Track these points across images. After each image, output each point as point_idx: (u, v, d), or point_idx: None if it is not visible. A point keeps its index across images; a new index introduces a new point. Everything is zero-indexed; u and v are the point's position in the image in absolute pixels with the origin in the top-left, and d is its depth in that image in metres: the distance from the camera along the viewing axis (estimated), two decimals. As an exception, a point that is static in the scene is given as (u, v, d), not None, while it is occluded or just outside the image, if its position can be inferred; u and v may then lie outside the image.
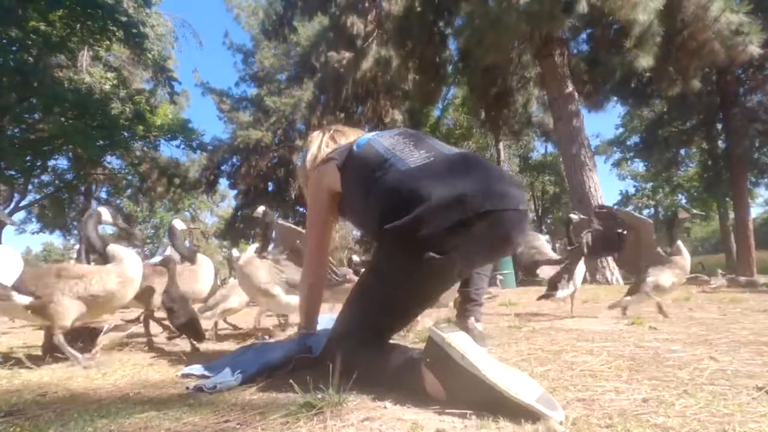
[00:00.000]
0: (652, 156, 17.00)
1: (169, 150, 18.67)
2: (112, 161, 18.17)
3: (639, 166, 27.29)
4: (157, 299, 2.10)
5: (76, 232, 22.42)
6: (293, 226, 2.31)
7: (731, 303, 3.06)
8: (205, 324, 2.14)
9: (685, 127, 14.53)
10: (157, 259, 2.38)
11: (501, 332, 1.94)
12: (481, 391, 0.81)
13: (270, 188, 22.83)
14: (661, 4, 6.18)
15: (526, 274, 4.76)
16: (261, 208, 2.34)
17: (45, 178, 15.69)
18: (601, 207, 3.12)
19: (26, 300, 1.56)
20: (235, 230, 22.62)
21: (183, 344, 2.14)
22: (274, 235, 2.31)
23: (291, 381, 1.11)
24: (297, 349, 1.28)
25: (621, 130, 23.59)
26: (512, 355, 1.38)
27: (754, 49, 6.81)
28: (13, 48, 11.03)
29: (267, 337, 2.24)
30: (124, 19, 11.60)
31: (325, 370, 0.98)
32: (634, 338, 1.65)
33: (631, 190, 31.65)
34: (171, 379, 1.29)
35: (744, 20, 6.72)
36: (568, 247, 2.79)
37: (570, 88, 7.37)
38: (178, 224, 2.57)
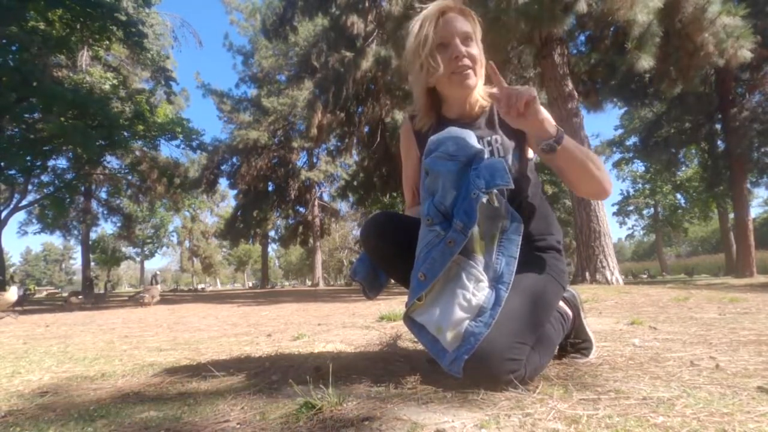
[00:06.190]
0: (651, 156, 17.01)
1: (168, 150, 18.70)
2: (112, 161, 18.19)
3: (639, 166, 27.40)
4: None
5: (76, 232, 22.48)
6: None
7: (731, 303, 3.06)
8: None
9: (685, 127, 14.54)
10: None
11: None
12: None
13: (270, 188, 22.85)
14: (660, 3, 6.18)
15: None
16: None
17: (45, 178, 15.70)
18: None
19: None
20: (235, 230, 22.63)
21: (183, 345, 2.14)
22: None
23: (291, 381, 1.12)
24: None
25: (620, 131, 23.67)
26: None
27: (746, 53, 6.82)
28: (13, 47, 11.03)
29: None
30: (123, 18, 11.62)
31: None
32: (634, 338, 1.65)
33: (630, 191, 31.80)
34: (171, 379, 1.29)
35: (739, 24, 6.72)
36: None
37: (569, 87, 7.37)
38: None
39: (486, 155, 1.08)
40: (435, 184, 1.04)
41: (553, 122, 1.03)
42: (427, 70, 1.19)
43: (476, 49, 1.18)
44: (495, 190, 1.00)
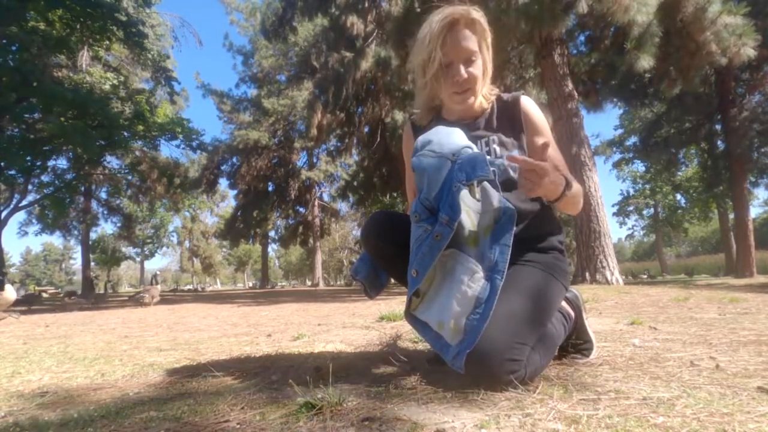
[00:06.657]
0: (651, 156, 17.00)
1: (168, 150, 18.68)
2: (112, 161, 18.18)
3: (639, 166, 27.38)
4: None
5: (76, 232, 22.48)
6: None
7: (731, 303, 3.06)
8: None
9: (685, 127, 14.54)
10: None
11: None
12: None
13: (270, 188, 22.84)
14: (657, 4, 6.18)
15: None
16: None
17: (45, 178, 15.68)
18: None
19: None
20: (235, 230, 22.63)
21: (183, 345, 2.14)
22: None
23: (291, 381, 1.11)
24: None
25: (620, 131, 23.66)
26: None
27: (749, 51, 6.81)
28: (13, 47, 11.03)
29: None
30: (123, 18, 11.61)
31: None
32: (634, 338, 1.65)
33: (630, 191, 31.79)
34: (171, 380, 1.29)
35: (740, 22, 6.72)
36: None
37: (569, 87, 7.36)
38: None
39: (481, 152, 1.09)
40: (421, 181, 1.06)
41: (560, 183, 1.05)
42: (431, 88, 1.24)
43: (478, 67, 1.19)
44: (476, 182, 1.02)
